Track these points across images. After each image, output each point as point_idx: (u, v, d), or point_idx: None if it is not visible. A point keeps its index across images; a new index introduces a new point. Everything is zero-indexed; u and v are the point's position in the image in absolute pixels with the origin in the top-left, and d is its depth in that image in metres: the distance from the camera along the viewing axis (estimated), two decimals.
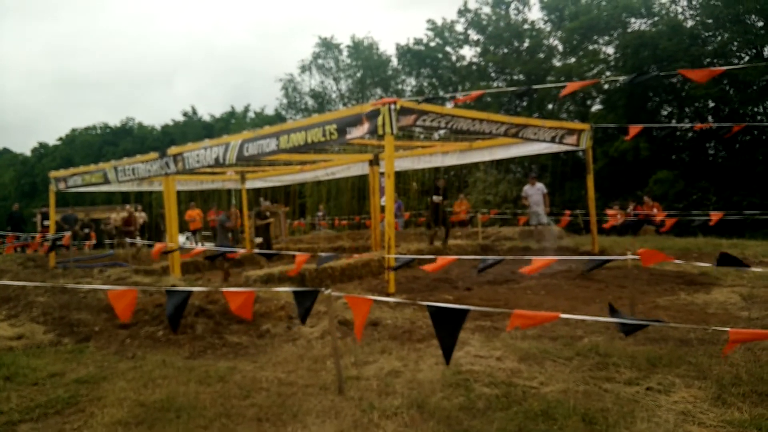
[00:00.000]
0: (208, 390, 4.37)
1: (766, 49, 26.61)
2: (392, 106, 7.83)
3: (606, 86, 31.18)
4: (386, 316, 6.54)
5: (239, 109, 61.15)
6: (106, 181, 13.89)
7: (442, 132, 12.14)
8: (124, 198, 23.05)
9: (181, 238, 23.05)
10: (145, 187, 16.35)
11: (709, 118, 28.25)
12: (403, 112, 8.08)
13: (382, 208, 20.00)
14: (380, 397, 4.03)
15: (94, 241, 21.35)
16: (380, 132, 7.97)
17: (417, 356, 4.97)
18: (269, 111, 54.72)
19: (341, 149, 16.44)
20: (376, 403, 3.91)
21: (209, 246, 19.06)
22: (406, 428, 3.53)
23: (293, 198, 32.77)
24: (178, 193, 21.01)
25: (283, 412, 3.88)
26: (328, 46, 45.57)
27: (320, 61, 46.16)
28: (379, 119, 7.91)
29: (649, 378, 4.16)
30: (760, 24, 26.21)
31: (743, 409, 3.60)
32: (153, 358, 5.29)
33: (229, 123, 56.73)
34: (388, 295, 7.82)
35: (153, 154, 12.16)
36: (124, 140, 58.45)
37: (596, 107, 33.00)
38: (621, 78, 28.45)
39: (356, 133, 8.39)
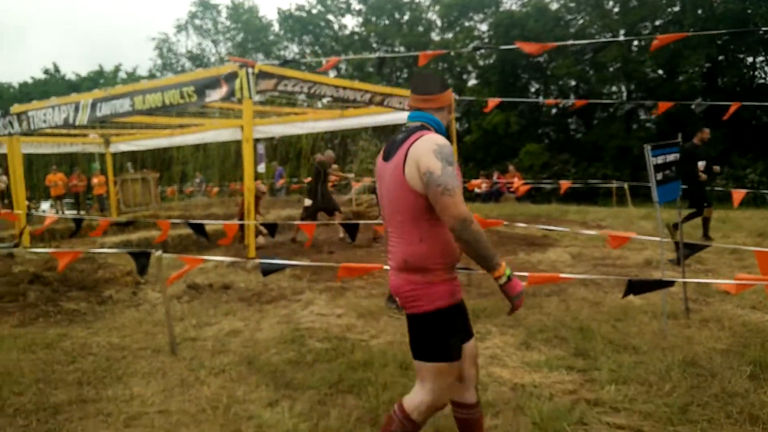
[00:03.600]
0: (30, 357, 4.17)
1: (621, 32, 28.90)
2: (250, 69, 7.67)
3: (481, 63, 32.49)
4: (239, 280, 6.55)
5: (108, 68, 56.84)
6: None
7: (325, 100, 12.07)
8: None
9: (45, 206, 21.38)
10: None
11: (571, 95, 30.37)
12: (263, 75, 7.94)
13: (259, 175, 19.80)
14: (213, 356, 4.07)
15: None
16: (237, 96, 7.81)
17: (260, 317, 5.04)
18: (142, 71, 51.37)
19: (220, 113, 15.91)
20: (207, 362, 3.94)
21: (71, 214, 17.86)
22: (231, 383, 3.60)
23: (169, 164, 31.36)
24: (35, 156, 19.39)
25: (107, 375, 3.80)
26: (205, 5, 43.44)
27: (197, 22, 43.98)
28: (237, 82, 7.74)
29: None
30: (616, 9, 28.40)
31: (543, 351, 4.02)
32: None
33: (98, 83, 52.46)
34: (247, 259, 7.78)
35: None
36: None
37: (472, 82, 34.33)
38: (467, 48, 29.87)
39: (215, 95, 8.14)
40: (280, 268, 3.94)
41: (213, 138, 15.96)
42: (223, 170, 28.62)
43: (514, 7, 31.94)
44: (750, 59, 27.62)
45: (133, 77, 51.26)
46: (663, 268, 4.52)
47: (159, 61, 45.41)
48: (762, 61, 27.90)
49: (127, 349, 4.31)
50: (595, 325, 4.44)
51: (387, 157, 2.29)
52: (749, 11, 24.23)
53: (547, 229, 5.05)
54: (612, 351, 3.93)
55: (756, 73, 27.99)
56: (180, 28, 44.36)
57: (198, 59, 44.77)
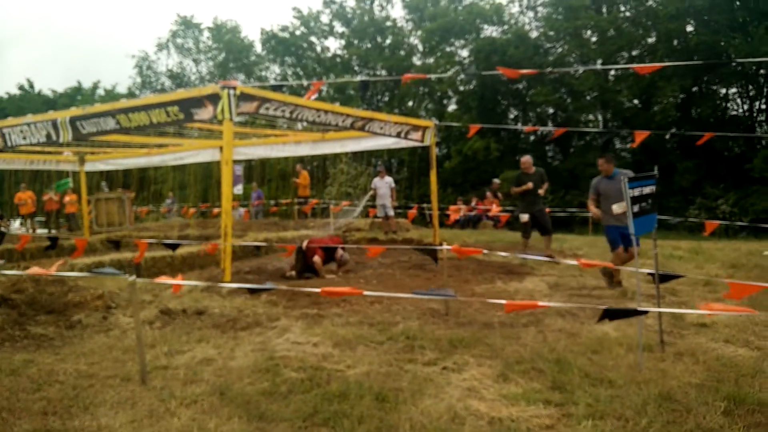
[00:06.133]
0: None
1: (598, 62, 29.57)
2: (232, 91, 7.65)
3: (461, 88, 32.97)
4: (214, 305, 6.43)
5: (87, 85, 56.37)
6: None
7: (304, 123, 12.05)
8: None
9: (15, 224, 20.97)
10: None
11: (549, 122, 30.90)
12: (245, 98, 7.92)
13: (236, 197, 19.67)
14: (184, 386, 3.96)
15: None
16: (219, 117, 7.77)
17: (234, 344, 4.94)
18: (121, 89, 51.04)
19: (199, 134, 15.82)
20: (178, 392, 3.84)
21: (42, 233, 17.51)
22: (203, 414, 3.50)
23: (145, 184, 31.06)
24: (6, 173, 19.01)
25: (74, 404, 3.68)
26: (187, 24, 43.48)
27: (179, 41, 43.95)
28: (219, 104, 7.71)
29: (447, 358, 4.48)
30: (594, 39, 29.10)
31: (520, 384, 3.99)
32: None
33: (75, 99, 52.02)
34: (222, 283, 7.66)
35: None
36: None
37: (452, 107, 34.77)
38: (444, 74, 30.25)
39: (204, 115, 8.08)
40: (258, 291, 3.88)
41: (191, 158, 15.83)
42: (198, 191, 28.44)
43: (494, 34, 32.58)
44: (723, 91, 28.42)
45: (111, 95, 50.92)
46: (638, 299, 4.55)
47: (138, 80, 45.22)
48: (735, 93, 28.74)
49: (95, 377, 4.18)
50: (571, 357, 4.43)
51: None
52: (722, 43, 25.01)
53: (526, 258, 5.12)
54: (588, 384, 3.92)
55: (729, 104, 28.80)
56: (161, 47, 44.29)
57: (178, 78, 44.68)
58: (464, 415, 3.45)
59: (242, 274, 8.91)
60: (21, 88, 55.35)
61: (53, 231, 18.26)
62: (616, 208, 6.47)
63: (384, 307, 6.22)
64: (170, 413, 3.52)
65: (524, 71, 6.66)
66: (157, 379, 4.10)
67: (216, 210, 17.90)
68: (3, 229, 16.45)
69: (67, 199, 18.52)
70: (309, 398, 3.69)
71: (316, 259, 8.58)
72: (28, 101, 52.00)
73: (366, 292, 3.86)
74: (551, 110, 30.90)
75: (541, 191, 9.83)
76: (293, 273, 8.82)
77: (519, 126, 29.86)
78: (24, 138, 10.01)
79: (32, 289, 6.06)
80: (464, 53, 33.89)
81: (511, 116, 32.93)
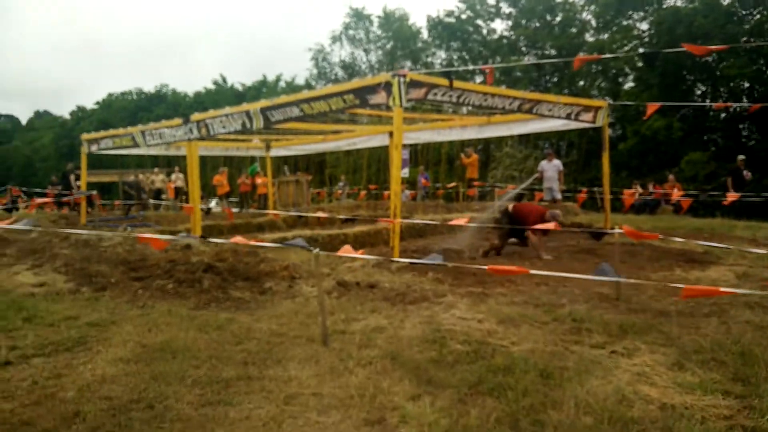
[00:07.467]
0: (205, 336, 4.74)
1: None
2: (402, 79, 7.99)
3: (639, 64, 30.59)
4: (384, 280, 6.84)
5: (271, 78, 61.53)
6: (135, 145, 14.37)
7: (470, 107, 12.16)
8: (154, 162, 23.84)
9: (212, 203, 23.75)
10: (172, 152, 16.84)
11: (744, 98, 27.54)
12: (414, 84, 8.23)
13: (403, 180, 20.38)
14: (360, 349, 4.34)
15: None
16: (390, 104, 8.17)
17: (404, 316, 5.26)
18: (300, 81, 54.93)
19: (369, 120, 16.70)
20: (355, 354, 4.22)
21: (235, 212, 19.66)
22: (376, 375, 3.83)
23: (323, 168, 33.30)
24: (206, 158, 21.56)
25: (269, 357, 4.22)
26: (358, 16, 45.44)
27: (351, 32, 46.11)
28: (391, 92, 8.09)
29: (616, 343, 4.37)
30: None
31: (697, 373, 3.79)
32: (161, 307, 5.69)
33: (261, 92, 57.10)
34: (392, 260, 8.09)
35: (177, 120, 12.56)
36: (158, 106, 59.66)
37: (629, 85, 32.45)
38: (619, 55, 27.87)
39: (378, 99, 8.53)
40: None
41: (362, 144, 16.73)
42: (368, 174, 29.78)
43: (679, 3, 29.65)
44: None
45: (291, 86, 54.99)
46: None
47: (315, 71, 48.25)
48: None
49: (284, 336, 4.73)
50: (759, 351, 4.09)
51: None
52: None
53: (709, 245, 4.76)
54: None
55: None
56: (334, 39, 46.80)
57: (350, 68, 46.90)
58: (633, 399, 3.39)
59: (409, 253, 9.29)
60: (215, 83, 62.04)
61: (244, 210, 20.37)
62: None
63: (549, 289, 6.17)
64: (349, 371, 3.90)
65: (713, 48, 6.07)
66: (336, 341, 4.54)
67: (385, 193, 18.69)
68: (204, 206, 18.75)
69: (259, 181, 20.56)
70: (474, 369, 3.86)
71: (532, 236, 8.67)
72: (221, 95, 58.13)
73: (532, 271, 3.90)
74: (746, 84, 27.47)
75: None
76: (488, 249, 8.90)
77: (707, 103, 26.99)
78: (224, 127, 11.35)
79: (232, 259, 6.93)
80: (643, 26, 31.37)
81: (698, 92, 29.83)
